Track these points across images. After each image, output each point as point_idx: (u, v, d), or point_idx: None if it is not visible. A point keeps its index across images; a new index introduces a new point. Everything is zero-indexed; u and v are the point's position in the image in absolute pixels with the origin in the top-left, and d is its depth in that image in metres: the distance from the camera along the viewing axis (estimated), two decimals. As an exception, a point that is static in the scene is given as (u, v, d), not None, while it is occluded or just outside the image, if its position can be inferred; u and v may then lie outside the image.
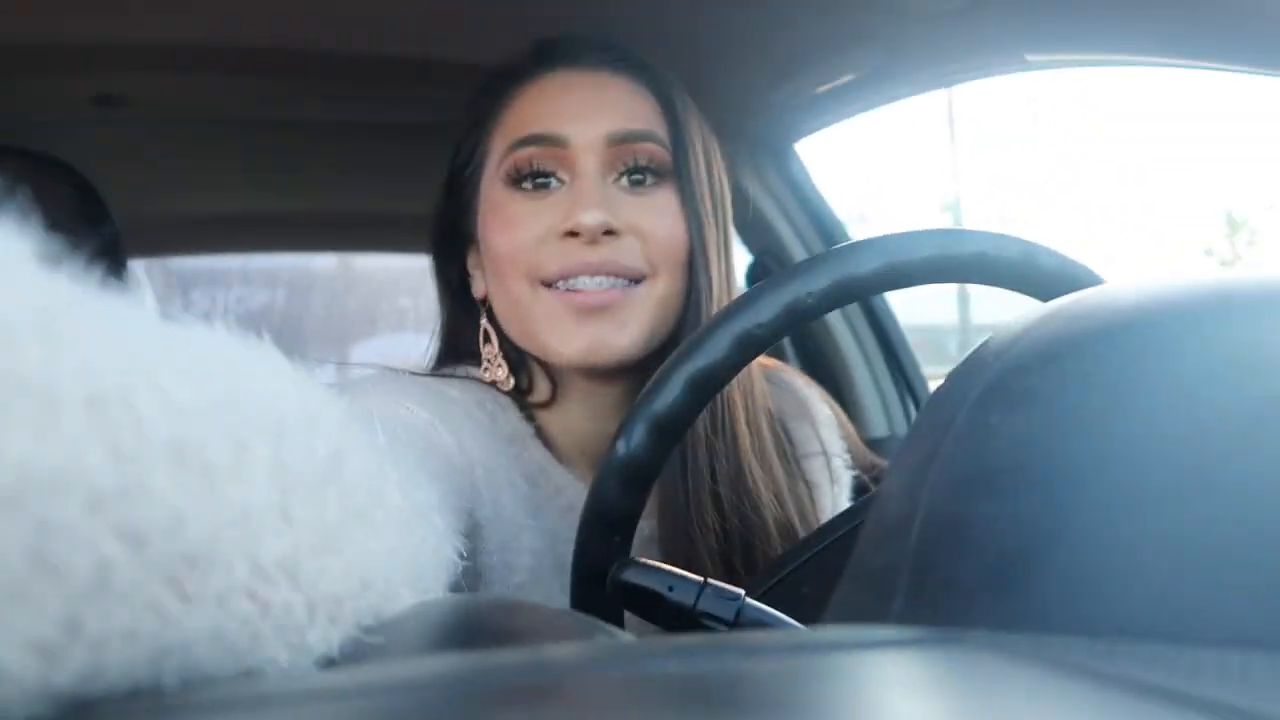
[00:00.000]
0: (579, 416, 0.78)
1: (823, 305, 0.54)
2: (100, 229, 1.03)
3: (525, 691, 0.18)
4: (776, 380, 0.89)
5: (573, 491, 0.74)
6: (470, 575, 0.38)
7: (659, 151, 0.75)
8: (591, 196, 0.71)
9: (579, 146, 0.73)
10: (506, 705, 0.17)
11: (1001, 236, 0.57)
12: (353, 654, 0.25)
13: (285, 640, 0.23)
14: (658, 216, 0.73)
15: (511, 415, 0.76)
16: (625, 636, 0.27)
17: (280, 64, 1.16)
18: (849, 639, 0.22)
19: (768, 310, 0.53)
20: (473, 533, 0.65)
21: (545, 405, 0.78)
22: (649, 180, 0.75)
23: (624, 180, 0.75)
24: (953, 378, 0.35)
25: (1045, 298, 0.60)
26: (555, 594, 0.68)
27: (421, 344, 0.89)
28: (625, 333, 0.71)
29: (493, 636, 0.26)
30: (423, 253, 0.89)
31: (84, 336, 0.18)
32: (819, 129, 1.32)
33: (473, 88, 0.83)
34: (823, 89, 1.17)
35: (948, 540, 0.26)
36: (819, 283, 0.54)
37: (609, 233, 0.71)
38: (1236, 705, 0.16)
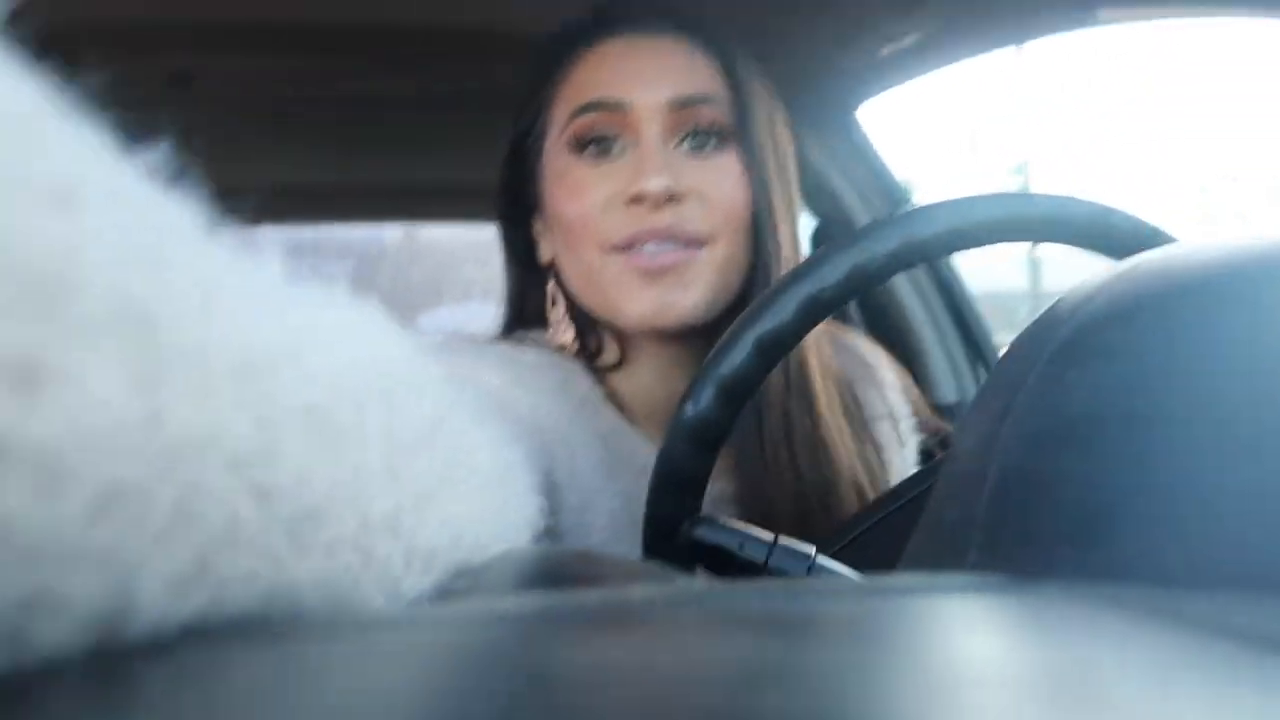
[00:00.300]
0: (648, 379, 0.79)
1: (890, 267, 0.54)
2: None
3: (608, 623, 0.19)
4: (841, 344, 0.89)
5: (645, 453, 0.75)
6: (550, 536, 0.39)
7: (721, 115, 0.75)
8: (655, 162, 0.72)
9: (641, 111, 0.74)
10: (590, 635, 0.18)
11: (1072, 199, 0.56)
12: (441, 598, 0.26)
13: (382, 587, 0.24)
14: (720, 180, 0.74)
15: (582, 379, 0.77)
16: (703, 582, 0.28)
17: (345, 40, 1.18)
18: (926, 584, 0.22)
19: (834, 273, 0.53)
20: (550, 495, 0.66)
21: (614, 368, 0.79)
22: (711, 144, 0.75)
23: (686, 144, 0.75)
24: (1026, 335, 0.35)
25: (1119, 256, 0.59)
26: (632, 554, 0.69)
27: (487, 313, 0.91)
28: (689, 294, 0.72)
29: (574, 582, 0.27)
30: (486, 222, 0.91)
31: (236, 306, 0.19)
32: (882, 91, 1.30)
33: (531, 57, 0.84)
34: (886, 51, 1.16)
35: (1023, 494, 0.26)
36: (887, 245, 0.53)
37: (672, 198, 0.71)
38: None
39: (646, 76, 0.75)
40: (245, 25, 1.11)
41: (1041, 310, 0.36)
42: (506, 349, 0.76)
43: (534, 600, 0.22)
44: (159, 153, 0.20)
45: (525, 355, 0.75)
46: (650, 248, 0.71)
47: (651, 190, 0.70)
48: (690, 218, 0.72)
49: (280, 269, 0.24)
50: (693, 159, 0.74)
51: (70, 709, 0.14)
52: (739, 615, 0.19)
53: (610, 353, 0.79)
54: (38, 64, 0.17)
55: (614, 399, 0.79)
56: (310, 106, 1.38)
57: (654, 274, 0.71)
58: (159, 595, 0.17)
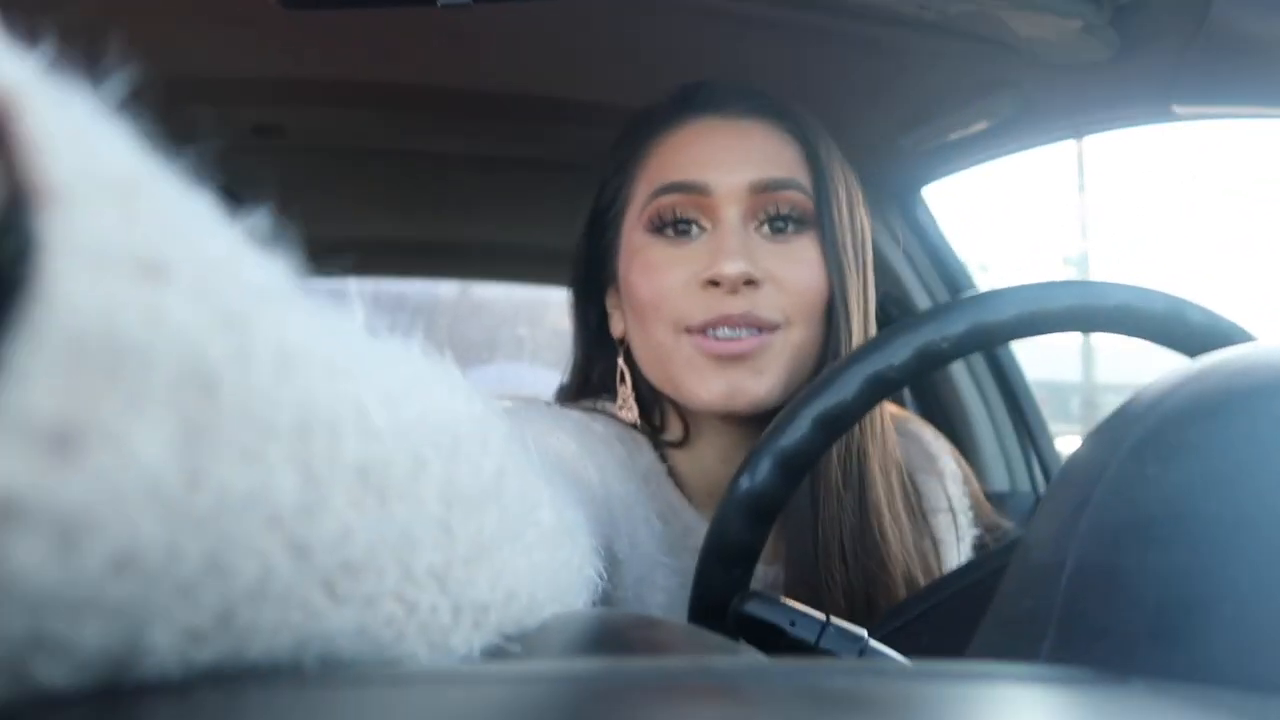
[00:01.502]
0: (711, 458, 0.78)
1: (957, 350, 0.54)
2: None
3: (660, 691, 0.19)
4: (906, 432, 0.87)
5: (702, 532, 0.74)
6: (607, 606, 0.39)
7: (801, 199, 0.74)
8: (733, 246, 0.72)
9: (722, 195, 0.73)
10: (640, 703, 0.18)
11: (1147, 290, 0.55)
12: (493, 658, 0.26)
13: (428, 639, 0.24)
14: (797, 266, 0.73)
15: (647, 453, 0.77)
16: (760, 655, 0.27)
17: (426, 99, 1.21)
18: (1007, 672, 0.21)
19: (901, 352, 0.53)
20: (610, 566, 0.66)
21: (678, 445, 0.79)
22: (790, 228, 0.75)
23: (765, 228, 0.75)
24: (1101, 429, 0.34)
25: (1191, 353, 0.58)
26: None
27: (534, 374, 0.92)
28: (763, 380, 0.71)
29: (629, 647, 0.27)
30: (543, 283, 0.91)
31: (310, 366, 0.20)
32: (949, 174, 1.30)
33: (608, 128, 0.85)
34: (955, 135, 1.16)
35: (1101, 588, 0.25)
36: (955, 327, 0.53)
37: (749, 282, 0.71)
38: None
39: (728, 159, 0.75)
40: (334, 82, 1.16)
41: (1096, 403, 0.35)
42: (579, 417, 0.75)
43: (584, 664, 0.21)
44: (256, 213, 0.21)
45: (596, 425, 0.75)
46: (724, 332, 0.71)
47: (729, 274, 0.70)
48: (766, 303, 0.72)
49: (362, 323, 0.25)
50: (771, 243, 0.74)
51: None
52: (795, 691, 0.18)
53: (674, 430, 0.79)
54: (136, 119, 0.18)
55: (675, 476, 0.78)
56: (391, 163, 1.42)
57: (727, 359, 0.71)
58: (173, 643, 0.17)
